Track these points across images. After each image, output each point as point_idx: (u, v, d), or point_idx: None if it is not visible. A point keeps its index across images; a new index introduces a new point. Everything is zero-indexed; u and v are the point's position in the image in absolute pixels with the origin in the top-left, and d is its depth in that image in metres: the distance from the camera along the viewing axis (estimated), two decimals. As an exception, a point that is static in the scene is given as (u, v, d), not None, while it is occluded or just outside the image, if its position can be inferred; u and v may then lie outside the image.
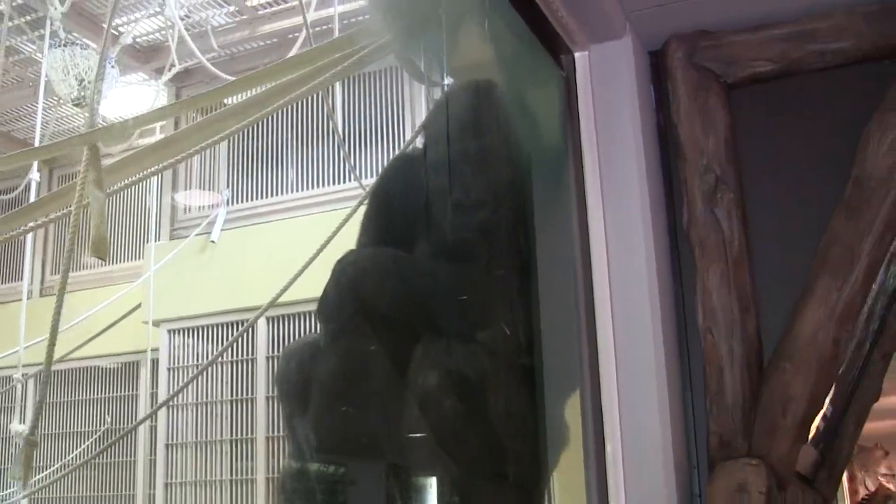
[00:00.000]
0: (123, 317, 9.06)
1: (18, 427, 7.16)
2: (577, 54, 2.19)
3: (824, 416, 3.25)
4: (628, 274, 2.04)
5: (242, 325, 8.31)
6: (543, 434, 2.22)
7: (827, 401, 3.10)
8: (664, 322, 2.04)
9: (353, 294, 2.32)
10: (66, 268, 3.08)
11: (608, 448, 2.00)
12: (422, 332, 2.23)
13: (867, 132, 2.04)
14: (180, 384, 8.85)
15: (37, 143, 7.44)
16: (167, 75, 8.49)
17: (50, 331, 2.85)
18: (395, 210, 2.55)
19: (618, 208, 2.08)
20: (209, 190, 9.25)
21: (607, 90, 2.14)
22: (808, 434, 2.10)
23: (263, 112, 3.19)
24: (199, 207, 9.23)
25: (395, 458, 2.26)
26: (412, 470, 2.28)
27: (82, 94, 7.90)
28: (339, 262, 2.41)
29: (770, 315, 2.05)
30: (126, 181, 3.45)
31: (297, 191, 8.90)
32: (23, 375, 7.28)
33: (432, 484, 2.29)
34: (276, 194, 8.97)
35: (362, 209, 4.21)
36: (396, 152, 8.32)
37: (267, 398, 8.37)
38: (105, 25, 8.89)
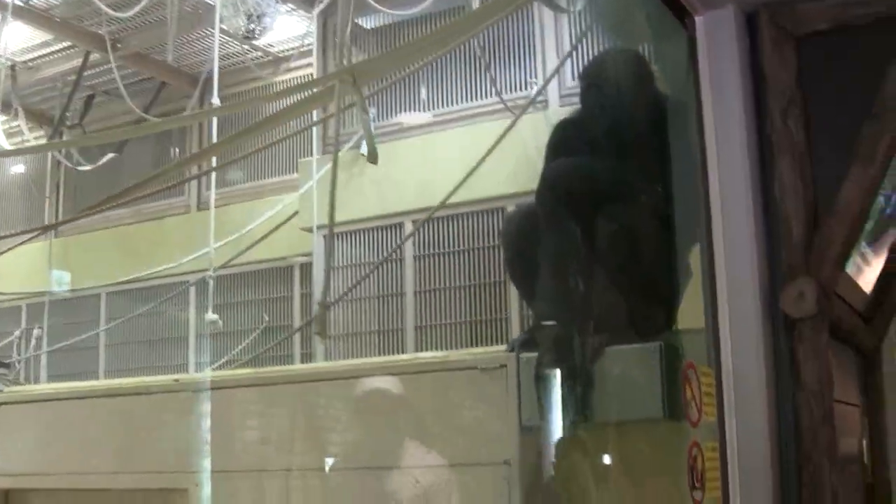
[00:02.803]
0: (282, 224, 10.44)
1: (212, 316, 8.59)
2: (696, 18, 3.44)
3: (883, 271, 4.48)
4: (731, 164, 3.31)
5: (390, 228, 9.66)
6: (677, 268, 3.55)
7: (883, 258, 4.35)
8: (754, 195, 3.30)
9: (559, 184, 3.67)
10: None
11: (717, 277, 3.27)
12: (604, 203, 3.58)
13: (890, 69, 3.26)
14: (335, 283, 10.21)
15: (215, 75, 8.71)
16: (319, 6, 9.76)
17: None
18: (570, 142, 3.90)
19: (724, 121, 3.34)
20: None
21: (718, 43, 3.39)
22: (844, 265, 3.36)
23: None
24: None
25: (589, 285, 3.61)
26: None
27: (251, 28, 9.23)
28: (547, 168, 3.76)
29: (822, 188, 3.30)
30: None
31: (438, 107, 10.11)
32: (213, 272, 8.71)
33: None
34: (419, 111, 10.19)
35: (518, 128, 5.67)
36: (528, 71, 9.48)
37: (415, 293, 9.68)
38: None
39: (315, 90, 5.07)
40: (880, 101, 3.25)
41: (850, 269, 3.88)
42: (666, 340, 3.59)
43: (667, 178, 3.67)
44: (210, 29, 10.22)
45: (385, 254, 9.79)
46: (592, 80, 4.10)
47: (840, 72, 3.40)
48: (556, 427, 3.80)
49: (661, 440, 3.62)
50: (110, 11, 9.87)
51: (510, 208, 8.57)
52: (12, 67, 12.74)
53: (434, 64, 9.82)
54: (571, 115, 4.19)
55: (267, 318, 11.43)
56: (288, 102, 5.95)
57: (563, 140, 4.02)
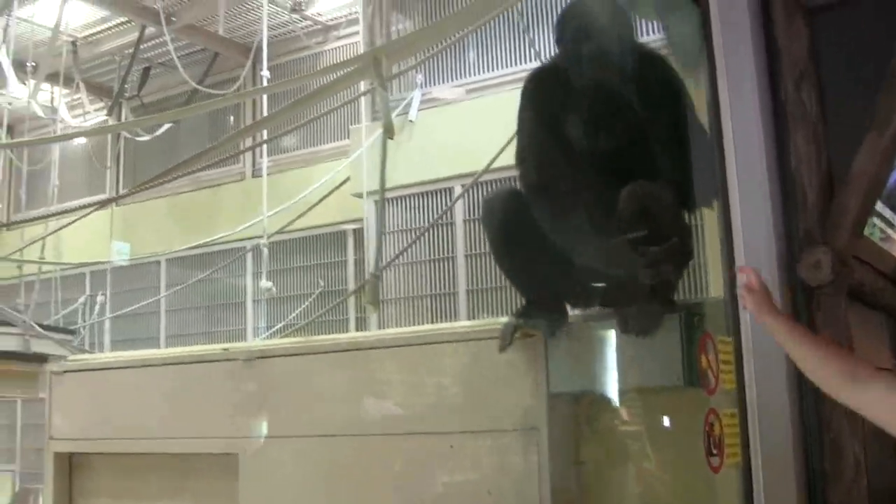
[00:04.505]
0: (334, 190, 10.57)
1: (266, 283, 8.75)
2: (708, -11, 3.49)
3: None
4: (746, 136, 3.36)
5: (440, 193, 9.74)
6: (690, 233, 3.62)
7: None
8: (769, 165, 3.34)
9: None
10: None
11: (735, 247, 3.33)
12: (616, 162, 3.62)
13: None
14: (387, 248, 10.33)
15: (264, 47, 8.86)
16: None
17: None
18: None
19: (739, 93, 3.38)
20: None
21: (731, 16, 3.43)
22: (861, 232, 3.40)
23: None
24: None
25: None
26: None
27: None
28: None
29: (837, 158, 3.34)
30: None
31: (482, 73, 10.16)
32: (266, 241, 8.86)
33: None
34: (464, 77, 10.25)
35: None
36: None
37: (466, 256, 9.78)
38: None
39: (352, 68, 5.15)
40: (893, 70, 3.29)
41: (877, 236, 3.90)
42: (686, 310, 3.66)
43: (675, 142, 3.73)
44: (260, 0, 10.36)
45: (435, 218, 9.89)
46: (578, 29, 3.98)
47: (852, 42, 3.43)
48: (583, 393, 3.91)
49: (681, 407, 3.71)
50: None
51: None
52: (73, 43, 13.03)
53: (482, 31, 9.86)
54: (550, 64, 4.17)
55: (322, 284, 11.58)
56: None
57: (550, 91, 3.98)
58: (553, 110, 3.91)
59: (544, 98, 3.97)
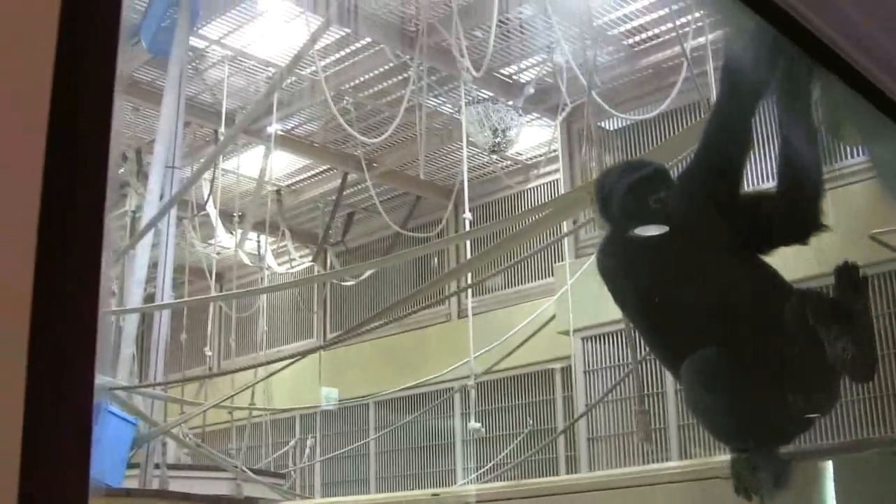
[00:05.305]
0: (540, 329, 10.73)
1: (475, 425, 8.93)
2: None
3: None
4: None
5: (647, 328, 9.77)
6: None
7: None
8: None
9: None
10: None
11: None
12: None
13: None
14: (595, 386, 10.42)
15: (465, 191, 9.20)
16: (562, 115, 10.13)
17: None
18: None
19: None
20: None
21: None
22: None
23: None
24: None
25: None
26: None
27: (497, 141, 9.67)
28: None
29: None
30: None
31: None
32: (473, 382, 9.06)
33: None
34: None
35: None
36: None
37: (676, 391, 9.74)
38: (502, 77, 10.69)
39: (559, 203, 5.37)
40: None
41: None
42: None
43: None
44: (459, 143, 10.71)
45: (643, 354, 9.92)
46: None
47: None
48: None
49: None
50: (363, 139, 10.52)
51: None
52: (278, 192, 13.71)
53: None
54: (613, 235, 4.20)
55: (531, 423, 11.69)
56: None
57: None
58: (651, 274, 4.01)
59: (632, 268, 4.07)
